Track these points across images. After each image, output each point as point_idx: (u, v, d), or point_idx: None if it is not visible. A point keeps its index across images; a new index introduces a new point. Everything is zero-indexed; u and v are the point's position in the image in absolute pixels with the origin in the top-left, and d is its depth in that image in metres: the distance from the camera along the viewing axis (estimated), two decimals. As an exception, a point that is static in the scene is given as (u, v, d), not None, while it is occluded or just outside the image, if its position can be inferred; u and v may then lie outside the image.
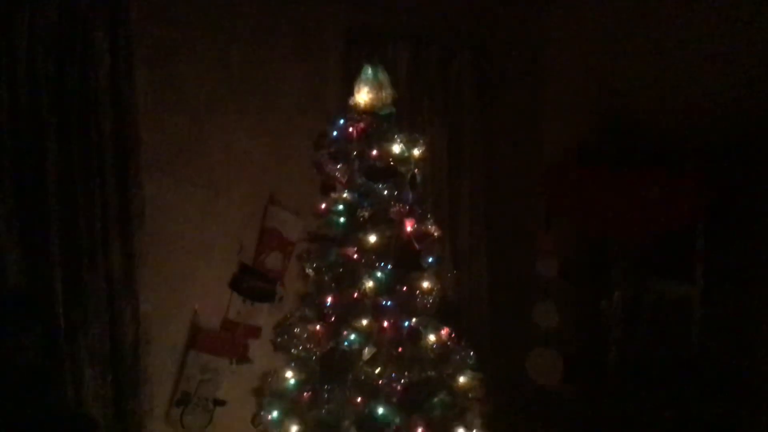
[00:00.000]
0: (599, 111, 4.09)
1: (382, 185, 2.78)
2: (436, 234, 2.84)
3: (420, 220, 2.82)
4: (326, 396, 2.72)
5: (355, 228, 2.77)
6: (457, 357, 2.83)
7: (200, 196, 3.42)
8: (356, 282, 2.74)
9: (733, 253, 3.60)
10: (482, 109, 4.26)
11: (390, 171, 2.77)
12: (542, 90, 4.47)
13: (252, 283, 3.57)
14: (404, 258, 2.77)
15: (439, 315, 2.83)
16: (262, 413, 2.88)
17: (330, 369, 2.69)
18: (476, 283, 4.38)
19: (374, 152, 2.77)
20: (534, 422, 4.55)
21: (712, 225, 3.61)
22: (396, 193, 2.79)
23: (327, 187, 2.90)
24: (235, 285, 3.55)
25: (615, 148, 3.82)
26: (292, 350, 2.82)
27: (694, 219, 3.61)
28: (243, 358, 3.58)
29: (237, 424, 3.48)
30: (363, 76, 2.85)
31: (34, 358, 2.73)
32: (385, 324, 2.74)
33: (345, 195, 2.83)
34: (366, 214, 2.77)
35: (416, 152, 2.82)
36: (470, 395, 2.82)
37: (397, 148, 2.77)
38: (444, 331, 2.83)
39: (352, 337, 2.71)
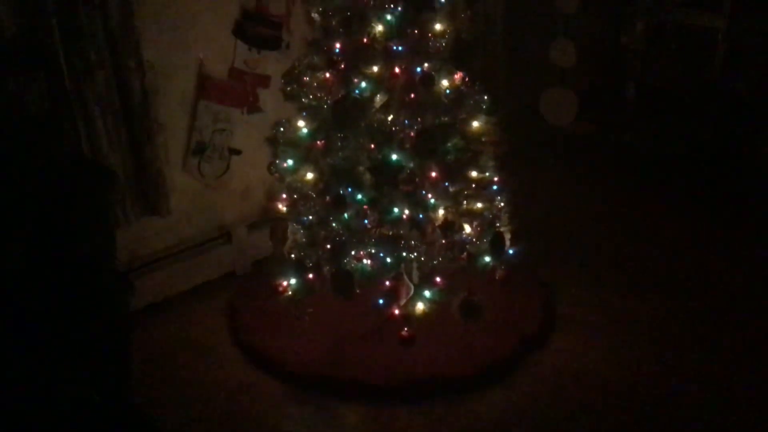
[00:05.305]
0: None
1: None
2: (449, -30, 2.63)
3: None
4: (339, 143, 2.72)
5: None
6: (471, 101, 2.77)
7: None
8: (365, 26, 2.61)
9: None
10: None
11: None
12: None
13: (256, 29, 3.42)
14: (415, -3, 2.59)
15: (453, 58, 2.72)
16: (277, 161, 2.90)
17: (342, 117, 2.64)
18: (491, 22, 4.20)
19: None
20: (547, 162, 4.64)
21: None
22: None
23: None
24: (240, 32, 3.40)
25: None
26: (303, 99, 2.77)
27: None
28: (254, 107, 3.55)
29: (254, 172, 3.56)
30: None
31: (41, 105, 2.69)
32: (397, 69, 2.66)
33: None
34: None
35: None
36: (484, 139, 2.80)
37: None
38: (457, 75, 2.75)
39: (363, 84, 2.63)
